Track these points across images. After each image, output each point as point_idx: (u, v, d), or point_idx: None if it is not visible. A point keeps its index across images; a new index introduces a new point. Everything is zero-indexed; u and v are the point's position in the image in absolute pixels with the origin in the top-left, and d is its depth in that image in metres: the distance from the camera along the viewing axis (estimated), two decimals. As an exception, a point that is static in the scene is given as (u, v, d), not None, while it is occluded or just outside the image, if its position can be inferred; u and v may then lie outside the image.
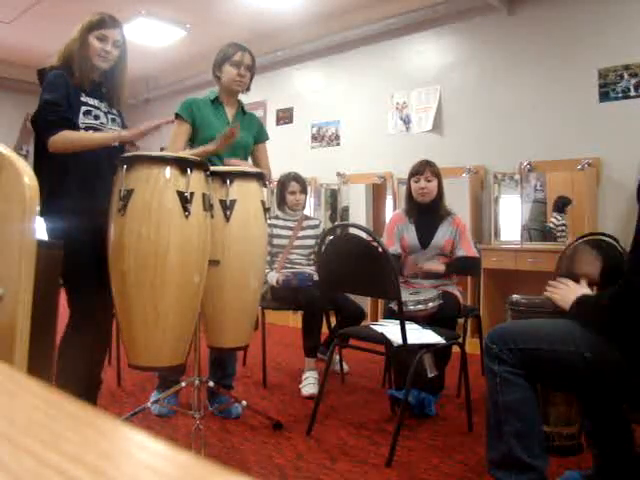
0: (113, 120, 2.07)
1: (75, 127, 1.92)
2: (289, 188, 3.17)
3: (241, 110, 2.50)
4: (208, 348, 2.11)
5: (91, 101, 2.00)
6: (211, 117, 2.39)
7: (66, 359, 1.86)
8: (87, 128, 1.96)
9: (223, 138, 2.15)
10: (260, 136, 2.56)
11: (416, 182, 2.75)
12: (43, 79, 1.98)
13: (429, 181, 2.73)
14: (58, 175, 1.90)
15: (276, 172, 3.80)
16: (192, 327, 1.86)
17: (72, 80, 1.96)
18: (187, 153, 2.21)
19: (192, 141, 2.37)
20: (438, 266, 2.67)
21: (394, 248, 2.75)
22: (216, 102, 2.44)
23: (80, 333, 1.91)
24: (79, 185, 1.93)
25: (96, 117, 1.99)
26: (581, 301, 1.44)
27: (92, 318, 1.93)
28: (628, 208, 3.72)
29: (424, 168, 2.74)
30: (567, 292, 1.50)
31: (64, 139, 1.87)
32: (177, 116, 2.37)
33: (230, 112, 2.46)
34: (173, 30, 5.57)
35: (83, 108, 1.96)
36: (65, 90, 1.92)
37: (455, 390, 2.72)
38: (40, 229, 1.83)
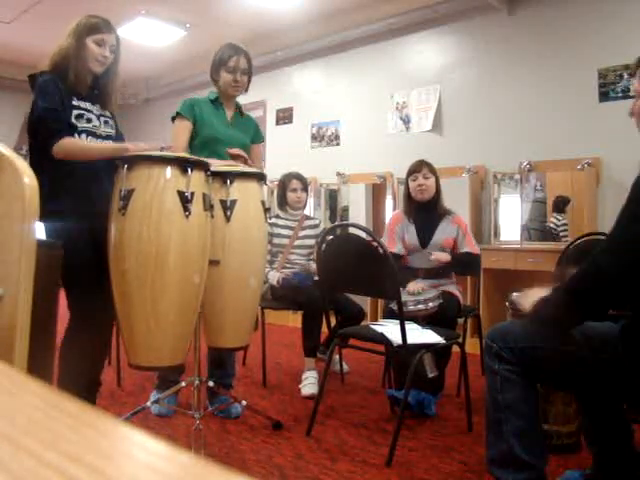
0: (106, 122, 2.06)
1: (74, 131, 1.92)
2: (290, 186, 3.17)
3: (238, 111, 2.52)
4: (208, 348, 2.11)
5: (83, 104, 1.99)
6: (211, 117, 2.40)
7: (67, 360, 1.87)
8: (81, 132, 1.95)
9: (233, 159, 2.20)
10: (255, 137, 2.57)
11: (414, 180, 2.76)
12: (34, 83, 1.97)
13: (427, 178, 2.75)
14: (56, 177, 1.89)
15: (276, 172, 3.81)
16: (192, 327, 1.86)
17: (64, 84, 1.94)
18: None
19: (192, 139, 2.37)
20: (445, 256, 2.68)
21: (397, 248, 2.76)
22: (216, 102, 2.44)
23: (80, 334, 1.92)
24: (77, 187, 1.92)
25: (88, 120, 1.98)
26: (541, 299, 1.37)
27: (92, 319, 1.93)
28: (628, 208, 3.73)
29: (421, 166, 2.77)
30: (530, 296, 1.44)
31: (67, 149, 1.87)
32: (178, 114, 2.37)
33: (229, 113, 2.48)
34: (173, 30, 5.57)
35: (75, 112, 1.95)
36: (58, 95, 1.91)
37: (455, 390, 2.72)
38: (40, 231, 1.82)
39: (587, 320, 1.36)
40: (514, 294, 2.13)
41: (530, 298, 1.42)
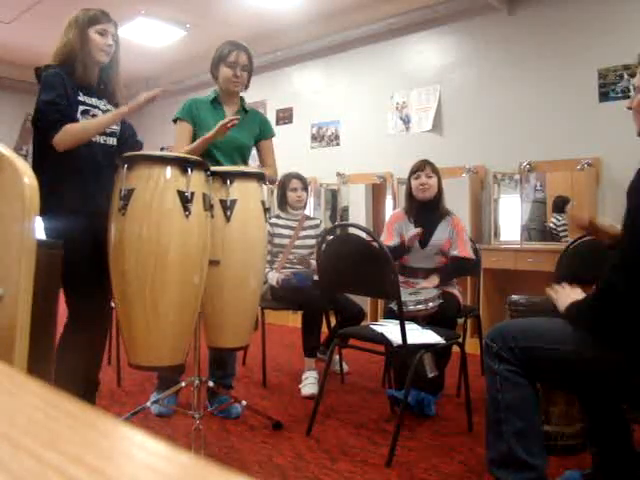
0: None
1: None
2: (291, 185, 3.17)
3: (242, 108, 2.47)
4: (208, 348, 2.11)
5: (89, 100, 1.98)
6: (209, 118, 2.36)
7: (64, 360, 1.86)
8: None
9: (222, 126, 2.14)
10: (264, 133, 2.51)
11: (416, 179, 2.76)
12: (40, 77, 1.96)
13: (429, 177, 2.75)
14: (57, 175, 1.89)
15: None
16: (192, 327, 1.86)
17: (71, 79, 1.94)
18: (186, 149, 2.21)
19: (193, 141, 2.36)
20: (433, 281, 2.67)
21: (393, 241, 2.74)
22: (215, 102, 2.42)
23: (78, 334, 1.91)
24: (76, 185, 1.92)
25: (94, 116, 1.97)
26: (572, 305, 1.46)
27: (90, 319, 1.93)
28: (628, 208, 3.73)
29: (424, 165, 2.77)
30: (564, 296, 1.52)
31: (69, 134, 1.86)
32: (178, 118, 2.36)
33: (230, 111, 2.42)
34: (173, 30, 5.57)
35: (81, 108, 1.94)
36: (63, 89, 1.89)
37: (455, 390, 2.72)
38: (38, 228, 1.82)
39: (606, 334, 1.38)
40: (513, 296, 2.13)
41: (564, 298, 1.49)
